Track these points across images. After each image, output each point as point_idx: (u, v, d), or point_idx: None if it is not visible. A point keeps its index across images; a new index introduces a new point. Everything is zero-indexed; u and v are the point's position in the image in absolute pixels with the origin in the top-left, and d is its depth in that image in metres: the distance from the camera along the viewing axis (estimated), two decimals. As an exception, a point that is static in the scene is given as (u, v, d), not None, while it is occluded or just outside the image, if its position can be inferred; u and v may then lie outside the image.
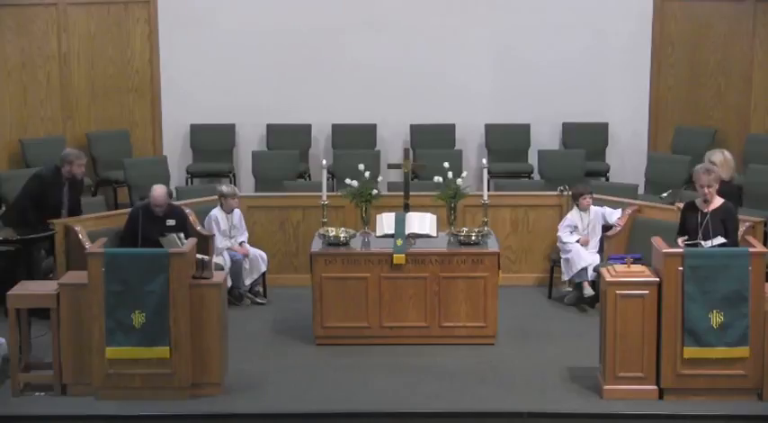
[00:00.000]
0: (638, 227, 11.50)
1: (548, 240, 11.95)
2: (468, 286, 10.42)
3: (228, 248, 11.54)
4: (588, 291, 11.35)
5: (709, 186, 9.32)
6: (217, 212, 11.62)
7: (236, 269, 11.50)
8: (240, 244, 11.66)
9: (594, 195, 11.79)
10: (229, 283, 11.16)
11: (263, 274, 11.76)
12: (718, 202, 9.42)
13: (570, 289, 11.61)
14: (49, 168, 11.54)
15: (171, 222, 10.91)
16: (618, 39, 14.59)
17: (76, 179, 11.52)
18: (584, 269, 11.38)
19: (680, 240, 9.35)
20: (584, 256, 11.39)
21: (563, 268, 11.53)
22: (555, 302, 11.68)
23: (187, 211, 11.59)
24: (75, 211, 11.44)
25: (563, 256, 11.51)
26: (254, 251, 11.70)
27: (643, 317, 9.12)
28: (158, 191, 11.01)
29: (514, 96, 14.70)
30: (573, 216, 11.65)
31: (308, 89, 14.65)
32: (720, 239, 9.31)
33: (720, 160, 10.67)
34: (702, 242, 9.25)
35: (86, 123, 14.51)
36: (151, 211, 10.99)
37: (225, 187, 11.82)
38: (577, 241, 11.50)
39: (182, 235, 9.94)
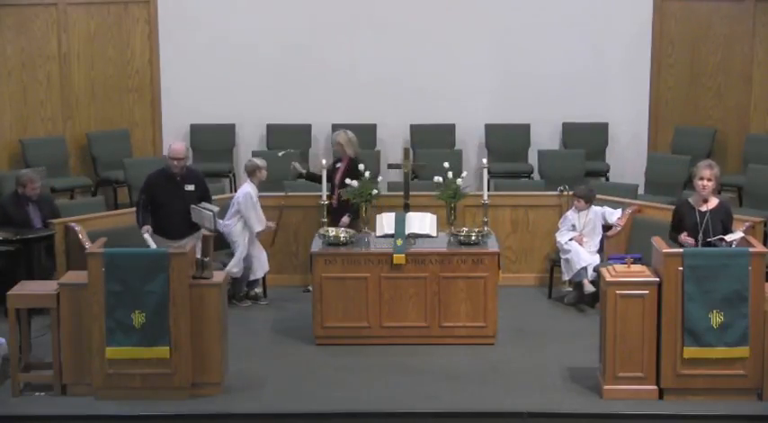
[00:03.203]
0: (638, 227, 11.51)
1: (548, 240, 11.95)
2: (469, 286, 10.42)
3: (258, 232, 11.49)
4: (589, 287, 11.34)
5: (709, 180, 9.33)
6: (249, 188, 11.49)
7: (245, 274, 11.54)
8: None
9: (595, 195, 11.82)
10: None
11: (242, 276, 11.69)
12: (714, 201, 9.44)
13: (570, 289, 11.62)
14: (8, 194, 11.68)
15: (190, 187, 10.75)
16: (618, 39, 14.59)
17: (33, 199, 11.49)
18: (584, 268, 11.37)
19: (683, 237, 9.33)
20: (583, 256, 11.39)
21: (563, 268, 11.53)
22: (555, 302, 11.69)
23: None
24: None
25: (563, 256, 11.51)
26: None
27: (643, 317, 9.12)
28: (177, 144, 10.86)
29: (514, 96, 14.70)
30: (570, 215, 11.67)
31: (308, 89, 14.66)
32: (740, 234, 9.35)
33: (345, 139, 11.71)
34: (727, 238, 9.25)
35: (86, 123, 14.52)
36: (169, 174, 10.78)
37: (258, 160, 11.71)
38: (571, 240, 11.51)
39: (214, 209, 9.97)
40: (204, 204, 10.62)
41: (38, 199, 11.55)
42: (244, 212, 11.37)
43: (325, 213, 11.10)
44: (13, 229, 11.17)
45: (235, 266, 11.38)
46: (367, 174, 11.01)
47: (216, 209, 10.61)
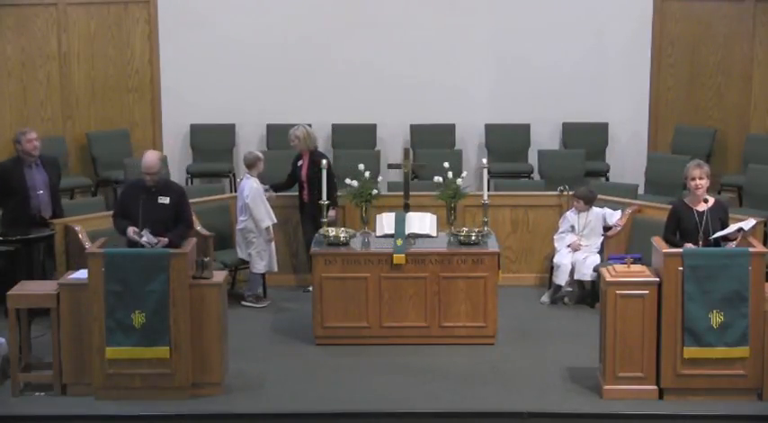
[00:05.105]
0: (638, 227, 11.51)
1: (548, 240, 11.95)
2: (469, 286, 10.42)
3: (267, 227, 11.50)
4: (566, 288, 11.51)
5: (701, 179, 9.32)
6: (253, 182, 11.50)
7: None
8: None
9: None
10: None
11: (263, 274, 11.72)
12: (711, 199, 9.43)
13: (570, 289, 11.62)
14: (10, 158, 11.43)
15: (164, 200, 9.60)
16: (618, 39, 14.59)
17: (34, 160, 11.13)
18: (567, 270, 11.43)
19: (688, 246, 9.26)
20: (563, 256, 11.47)
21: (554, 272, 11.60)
22: (555, 303, 11.68)
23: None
24: (54, 194, 11.28)
25: (554, 261, 11.57)
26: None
27: (643, 317, 9.12)
28: (149, 155, 9.64)
29: (514, 96, 14.70)
30: (570, 216, 11.68)
31: (308, 89, 14.65)
32: (752, 221, 9.35)
33: (304, 133, 11.86)
34: (744, 227, 9.23)
35: (86, 123, 14.51)
36: (144, 185, 9.67)
37: (258, 152, 11.85)
38: (569, 246, 11.53)
39: (149, 240, 9.30)
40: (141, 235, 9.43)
41: (43, 161, 11.23)
42: (252, 208, 11.38)
43: (325, 213, 11.09)
44: (10, 197, 10.96)
45: (260, 262, 11.48)
46: (367, 174, 11.01)
47: (144, 237, 9.39)
